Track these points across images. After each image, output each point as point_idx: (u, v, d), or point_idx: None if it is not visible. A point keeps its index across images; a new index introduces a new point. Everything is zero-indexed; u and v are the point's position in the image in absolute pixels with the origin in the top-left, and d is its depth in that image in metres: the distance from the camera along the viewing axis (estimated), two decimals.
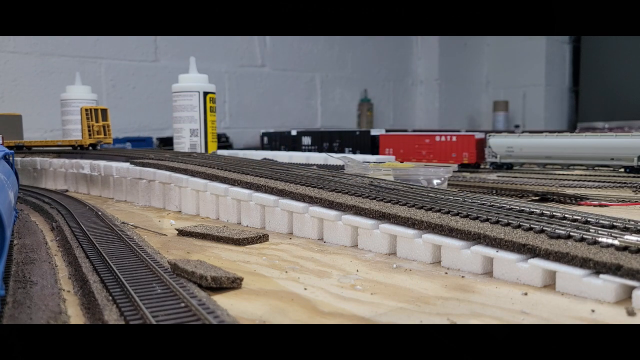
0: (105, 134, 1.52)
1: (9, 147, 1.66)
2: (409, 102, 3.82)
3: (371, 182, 0.94)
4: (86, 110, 1.48)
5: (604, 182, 1.36)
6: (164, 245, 0.79)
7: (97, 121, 1.49)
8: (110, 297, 0.52)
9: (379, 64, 3.60)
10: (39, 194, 1.27)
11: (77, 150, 1.53)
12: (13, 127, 1.74)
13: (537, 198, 1.13)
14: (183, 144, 1.68)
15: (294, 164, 1.29)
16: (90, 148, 1.52)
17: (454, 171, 1.58)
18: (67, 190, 1.44)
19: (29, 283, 0.57)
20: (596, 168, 1.61)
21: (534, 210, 0.72)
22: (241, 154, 1.59)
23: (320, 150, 2.10)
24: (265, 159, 1.46)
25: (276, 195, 0.91)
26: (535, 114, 3.76)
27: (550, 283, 0.58)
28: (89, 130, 1.49)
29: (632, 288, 0.52)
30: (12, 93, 2.28)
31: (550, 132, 1.80)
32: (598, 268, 0.54)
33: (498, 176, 1.55)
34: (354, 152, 1.98)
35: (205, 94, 1.68)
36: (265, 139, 2.38)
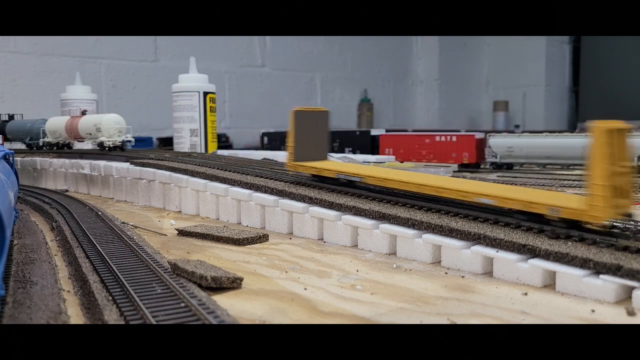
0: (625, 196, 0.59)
1: (342, 174, 0.87)
2: (409, 102, 3.82)
3: None
4: (608, 132, 0.56)
5: None
6: (164, 245, 0.79)
7: (620, 159, 0.57)
8: (110, 297, 0.52)
9: (379, 64, 3.60)
10: (39, 194, 1.27)
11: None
12: (317, 132, 0.96)
13: None
14: (183, 144, 1.68)
15: None
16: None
17: (454, 171, 1.58)
18: (67, 190, 1.44)
19: (29, 283, 0.57)
20: None
21: None
22: (241, 154, 1.59)
23: None
24: (265, 159, 1.46)
25: (276, 195, 0.91)
26: (535, 114, 3.76)
27: (550, 283, 0.58)
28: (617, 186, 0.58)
29: (632, 288, 0.52)
30: (12, 93, 2.28)
31: (550, 132, 1.80)
32: (598, 268, 0.54)
33: (498, 176, 1.55)
34: (354, 152, 1.98)
35: (205, 94, 1.68)
36: (265, 139, 2.38)
